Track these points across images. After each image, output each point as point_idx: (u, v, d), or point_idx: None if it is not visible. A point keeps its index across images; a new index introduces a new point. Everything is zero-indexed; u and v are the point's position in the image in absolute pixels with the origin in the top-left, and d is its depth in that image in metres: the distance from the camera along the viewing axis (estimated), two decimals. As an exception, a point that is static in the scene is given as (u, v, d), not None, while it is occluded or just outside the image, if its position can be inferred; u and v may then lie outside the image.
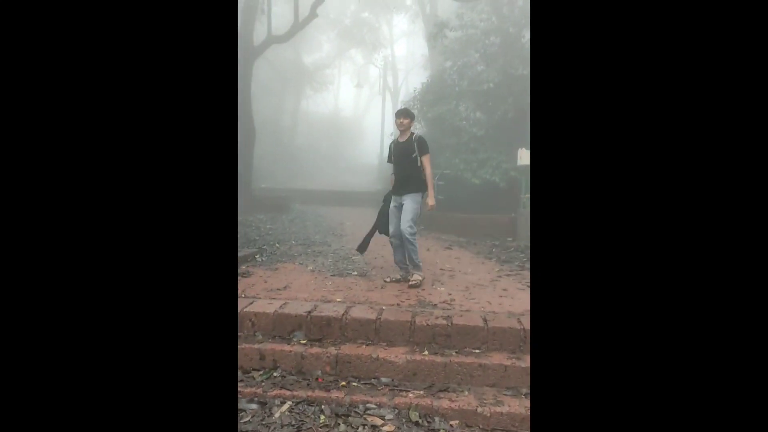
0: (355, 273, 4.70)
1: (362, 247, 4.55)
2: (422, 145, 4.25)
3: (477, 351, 3.04)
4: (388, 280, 4.39)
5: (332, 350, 2.97)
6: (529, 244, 6.87)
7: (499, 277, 4.79)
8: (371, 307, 3.45)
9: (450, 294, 4.01)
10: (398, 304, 3.61)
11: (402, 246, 4.27)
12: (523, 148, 7.37)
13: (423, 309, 3.49)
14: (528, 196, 7.38)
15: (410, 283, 4.19)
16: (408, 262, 4.33)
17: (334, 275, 4.57)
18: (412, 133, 4.33)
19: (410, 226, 4.15)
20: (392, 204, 4.34)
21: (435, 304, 3.66)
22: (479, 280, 4.62)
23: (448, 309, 3.54)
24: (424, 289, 4.14)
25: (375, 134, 22.50)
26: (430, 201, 4.27)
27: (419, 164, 4.22)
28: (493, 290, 4.21)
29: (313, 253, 5.67)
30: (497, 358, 2.93)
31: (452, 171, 8.32)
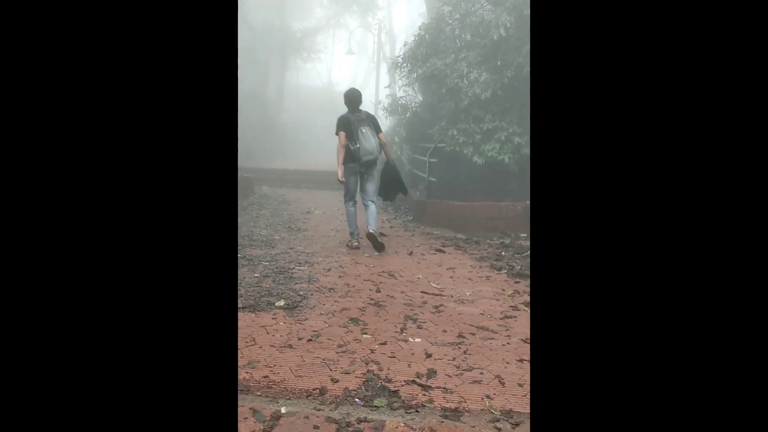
0: (282, 303, 2.91)
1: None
2: None
3: None
4: (356, 244, 4.66)
5: None
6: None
7: (515, 309, 2.99)
8: (270, 401, 1.67)
9: (430, 354, 2.24)
10: (322, 391, 1.84)
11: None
12: (544, 114, 5.51)
13: (373, 411, 1.71)
14: (549, 178, 5.53)
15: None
16: (357, 228, 4.75)
17: (245, 308, 2.79)
18: None
19: None
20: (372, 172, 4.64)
21: (397, 389, 1.89)
22: (483, 316, 2.83)
23: (419, 400, 1.77)
24: (385, 344, 2.36)
25: (373, 108, 20.44)
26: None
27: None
28: (506, 341, 2.44)
29: (241, 261, 3.89)
30: None
31: (448, 145, 6.43)
